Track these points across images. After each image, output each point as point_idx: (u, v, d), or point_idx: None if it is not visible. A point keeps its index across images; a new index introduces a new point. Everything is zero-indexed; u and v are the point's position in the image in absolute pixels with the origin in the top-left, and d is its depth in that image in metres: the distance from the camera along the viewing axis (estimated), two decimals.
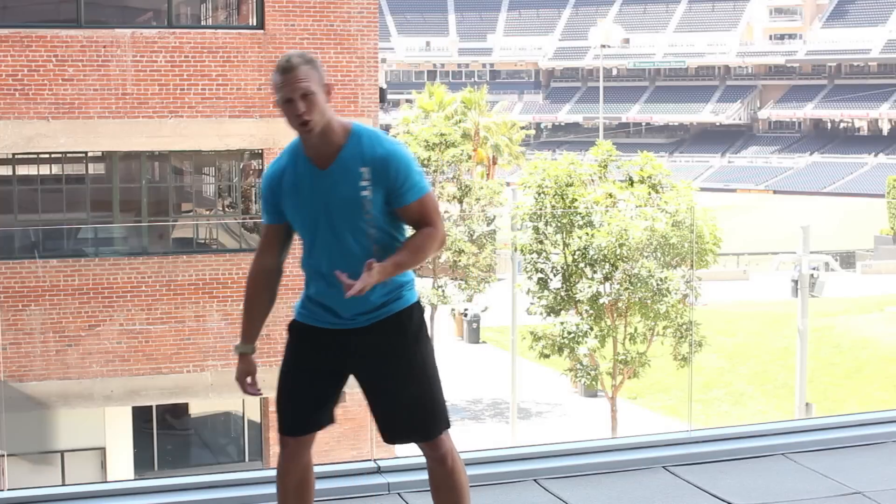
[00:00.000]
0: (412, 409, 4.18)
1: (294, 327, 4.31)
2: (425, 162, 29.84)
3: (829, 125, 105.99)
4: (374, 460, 5.56)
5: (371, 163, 4.02)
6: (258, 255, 4.36)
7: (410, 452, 4.96)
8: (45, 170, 16.83)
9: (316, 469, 4.40)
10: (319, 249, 4.16)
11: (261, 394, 4.28)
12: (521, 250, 24.51)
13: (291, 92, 3.95)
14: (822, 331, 34.21)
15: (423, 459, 4.35)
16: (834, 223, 69.03)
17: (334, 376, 4.27)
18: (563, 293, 24.04)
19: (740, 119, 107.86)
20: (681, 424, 25.05)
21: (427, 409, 4.20)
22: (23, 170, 16.84)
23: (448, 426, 4.26)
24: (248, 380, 4.27)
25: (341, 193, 4.05)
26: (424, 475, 4.38)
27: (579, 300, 23.67)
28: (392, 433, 4.25)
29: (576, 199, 24.29)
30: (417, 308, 4.32)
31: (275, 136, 16.76)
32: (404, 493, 5.35)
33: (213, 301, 16.62)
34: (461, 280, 30.42)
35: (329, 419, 4.31)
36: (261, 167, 17.02)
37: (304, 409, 4.24)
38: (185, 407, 18.02)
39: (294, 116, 3.99)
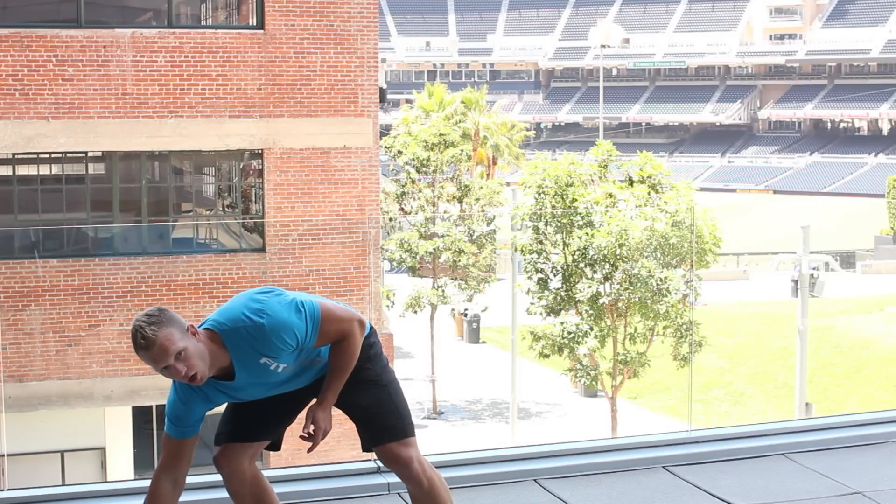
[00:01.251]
0: (376, 410, 4.32)
1: None
2: (425, 162, 29.82)
3: (829, 125, 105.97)
4: (374, 460, 5.55)
5: (264, 351, 4.04)
6: (166, 470, 4.23)
7: None
8: (45, 170, 16.82)
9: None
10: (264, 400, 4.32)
11: None
12: (521, 250, 24.50)
13: (165, 361, 3.91)
14: (822, 331, 34.20)
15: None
16: (834, 223, 69.02)
17: (286, 406, 4.38)
18: (563, 293, 24.04)
19: (740, 119, 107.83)
20: (681, 424, 25.05)
21: (391, 412, 4.33)
22: (23, 170, 16.83)
23: (413, 434, 4.37)
24: None
25: (261, 384, 4.14)
26: None
27: (579, 300, 23.67)
28: (367, 437, 4.36)
29: (576, 200, 24.28)
30: (363, 349, 4.39)
31: (275, 136, 16.77)
32: (404, 494, 5.35)
33: (213, 301, 16.61)
34: (461, 280, 30.41)
35: (272, 442, 4.43)
36: (261, 167, 17.01)
37: (245, 424, 4.34)
38: None
39: (183, 381, 3.99)
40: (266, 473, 5.26)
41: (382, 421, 4.31)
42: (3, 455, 14.47)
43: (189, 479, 5.43)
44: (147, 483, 5.41)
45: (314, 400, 4.30)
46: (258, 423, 4.33)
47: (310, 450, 4.14)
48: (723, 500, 5.39)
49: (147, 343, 3.87)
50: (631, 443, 6.08)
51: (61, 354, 16.16)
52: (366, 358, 4.34)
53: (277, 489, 4.61)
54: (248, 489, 4.34)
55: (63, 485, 5.96)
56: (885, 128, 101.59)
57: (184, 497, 5.30)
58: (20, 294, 16.01)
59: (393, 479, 5.39)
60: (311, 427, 4.14)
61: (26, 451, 16.23)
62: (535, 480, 5.60)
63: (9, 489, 5.70)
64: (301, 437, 4.15)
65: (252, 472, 4.35)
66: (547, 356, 24.75)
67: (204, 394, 4.13)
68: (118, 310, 16.30)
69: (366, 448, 4.36)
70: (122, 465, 16.75)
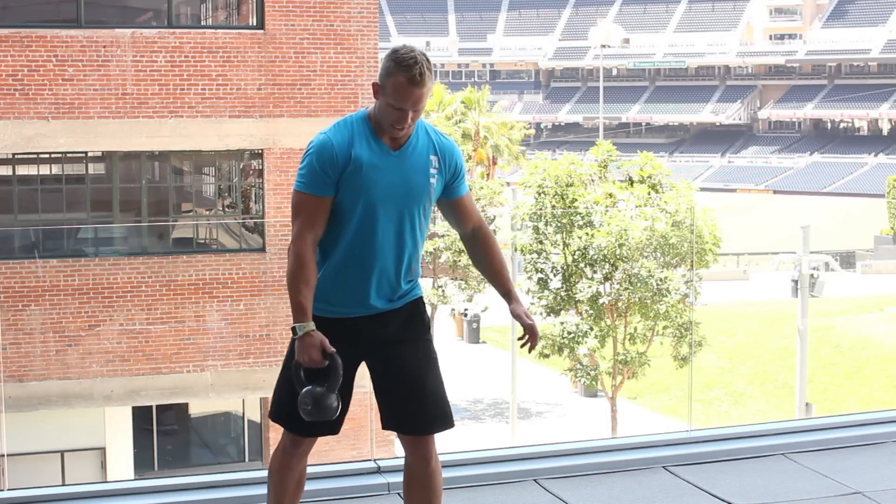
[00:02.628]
0: (437, 393, 4.16)
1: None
2: None
3: (829, 125, 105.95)
4: (374, 460, 5.56)
5: (439, 151, 4.13)
6: (309, 228, 4.18)
7: None
8: (45, 170, 16.83)
9: (316, 469, 4.41)
10: (369, 238, 4.10)
11: (333, 351, 4.03)
12: (521, 250, 24.51)
13: (413, 105, 3.95)
14: (822, 331, 34.20)
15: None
16: (834, 223, 69.02)
17: (349, 372, 4.21)
18: (563, 293, 24.04)
19: (740, 119, 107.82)
20: (681, 424, 25.04)
21: (444, 396, 4.20)
22: (23, 170, 16.84)
23: None
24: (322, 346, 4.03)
25: (414, 178, 4.09)
26: None
27: (579, 300, 23.68)
28: (420, 421, 4.14)
29: (576, 199, 24.29)
30: (424, 311, 4.37)
31: (275, 136, 16.77)
32: None
33: (213, 301, 16.62)
34: (461, 280, 30.41)
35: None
36: (261, 167, 17.01)
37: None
38: (184, 406, 18.04)
39: (397, 124, 3.99)
40: (265, 473, 5.27)
41: (436, 407, 4.15)
42: (3, 455, 14.47)
43: (189, 479, 5.45)
44: (147, 483, 5.43)
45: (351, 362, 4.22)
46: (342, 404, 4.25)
47: (531, 348, 4.22)
48: (723, 500, 5.39)
49: (423, 82, 3.92)
50: (631, 443, 6.08)
51: (61, 354, 16.17)
52: (426, 327, 4.27)
53: None
54: (301, 470, 4.32)
55: (63, 485, 5.96)
56: (885, 128, 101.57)
57: (183, 497, 5.32)
58: (20, 294, 16.01)
59: (393, 479, 5.39)
60: (525, 332, 4.20)
61: (26, 451, 16.24)
62: (535, 480, 5.60)
63: (9, 489, 5.70)
64: (522, 344, 4.21)
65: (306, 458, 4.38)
66: (547, 356, 24.75)
67: (349, 150, 4.04)
68: (118, 310, 16.30)
69: (411, 432, 4.16)
70: (121, 465, 16.76)
